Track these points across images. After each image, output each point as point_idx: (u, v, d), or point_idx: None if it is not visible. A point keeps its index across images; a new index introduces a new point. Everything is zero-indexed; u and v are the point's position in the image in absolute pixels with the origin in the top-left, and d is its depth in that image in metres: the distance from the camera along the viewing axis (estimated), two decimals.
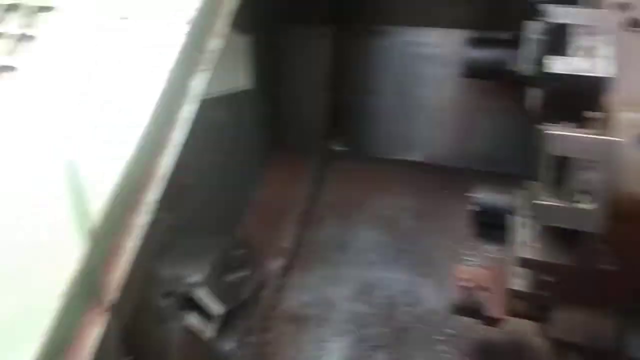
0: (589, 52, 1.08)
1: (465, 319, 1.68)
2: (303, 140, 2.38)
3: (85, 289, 0.72)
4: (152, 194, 0.81)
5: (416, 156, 2.33)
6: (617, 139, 0.94)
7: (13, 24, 0.95)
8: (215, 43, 0.95)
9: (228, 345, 1.23)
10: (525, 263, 1.18)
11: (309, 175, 2.31)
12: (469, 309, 1.45)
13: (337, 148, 2.43)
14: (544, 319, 1.32)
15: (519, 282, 1.27)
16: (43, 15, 0.97)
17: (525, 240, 1.19)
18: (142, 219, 0.79)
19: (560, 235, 1.15)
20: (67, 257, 0.72)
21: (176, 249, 1.10)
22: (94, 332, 0.71)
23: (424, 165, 2.31)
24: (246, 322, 1.31)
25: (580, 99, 1.08)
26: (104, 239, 0.75)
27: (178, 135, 0.86)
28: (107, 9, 0.95)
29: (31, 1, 0.97)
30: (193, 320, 1.00)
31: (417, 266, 1.93)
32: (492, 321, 1.42)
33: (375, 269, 1.94)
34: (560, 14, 1.13)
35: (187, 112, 0.88)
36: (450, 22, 2.20)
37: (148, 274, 0.96)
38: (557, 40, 1.15)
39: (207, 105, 1.67)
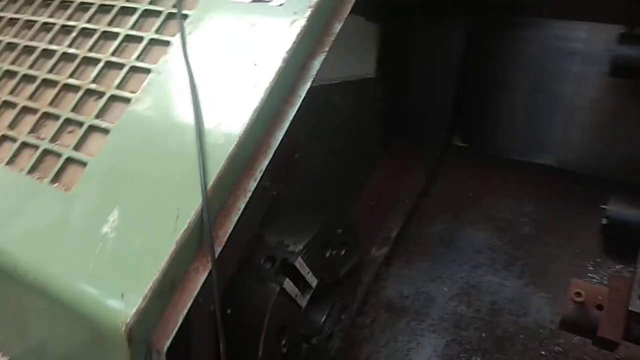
0: None
1: (576, 337, 1.57)
2: (423, 132, 2.34)
3: (197, 239, 0.81)
4: (261, 164, 0.88)
5: (545, 159, 2.17)
6: None
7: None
8: (335, 27, 0.99)
9: (320, 317, 1.29)
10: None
11: (424, 168, 2.28)
12: (579, 326, 1.33)
13: (458, 144, 2.36)
14: None
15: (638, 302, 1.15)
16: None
17: None
18: (251, 185, 0.87)
19: None
20: (187, 210, 0.82)
21: (283, 219, 1.18)
22: (199, 278, 0.81)
23: (553, 170, 2.14)
24: (342, 300, 1.35)
25: None
26: (217, 199, 0.84)
27: (291, 113, 0.92)
28: None
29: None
30: (289, 285, 1.07)
31: (529, 275, 1.81)
32: (604, 343, 1.30)
33: (482, 272, 1.86)
34: None
35: (303, 91, 0.94)
36: (600, 16, 2.00)
37: (254, 236, 1.05)
38: None
39: (329, 90, 1.75)
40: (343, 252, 1.28)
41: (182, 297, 0.80)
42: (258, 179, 0.88)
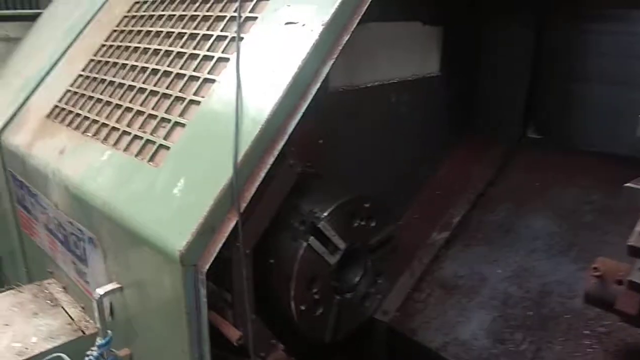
0: None
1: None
2: (497, 126, 2.44)
3: (229, 198, 1.15)
4: (279, 144, 1.19)
5: (618, 148, 2.12)
6: None
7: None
8: (344, 39, 1.26)
9: (354, 277, 1.54)
10: (632, 252, 1.14)
11: (494, 160, 2.37)
12: (600, 300, 1.40)
13: (532, 136, 2.40)
14: None
15: (637, 273, 1.22)
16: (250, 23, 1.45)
17: None
18: (270, 160, 1.18)
19: None
20: (224, 178, 1.16)
21: (319, 193, 1.46)
22: (230, 224, 1.14)
23: (626, 159, 2.09)
24: (376, 266, 1.58)
25: None
26: (245, 171, 1.17)
27: (304, 106, 1.21)
28: (283, 17, 1.36)
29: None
30: (314, 243, 1.35)
31: (583, 260, 1.83)
32: (628, 318, 1.35)
33: (537, 256, 1.93)
34: None
35: (314, 89, 1.22)
36: None
37: (290, 204, 1.36)
38: None
39: (391, 89, 1.98)
40: (373, 224, 1.52)
41: (219, 237, 1.14)
42: (275, 156, 1.18)
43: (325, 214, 1.37)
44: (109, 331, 1.41)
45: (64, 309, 1.73)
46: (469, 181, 2.33)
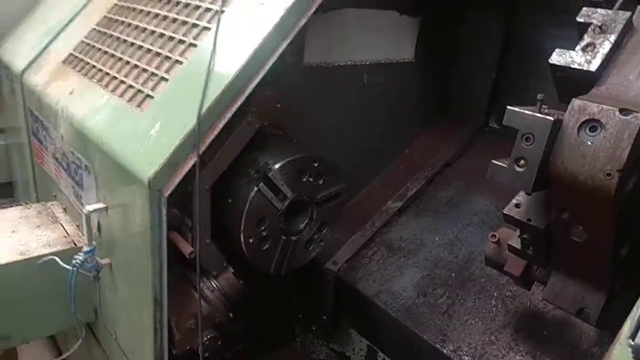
0: (591, 49, 1.22)
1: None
2: (462, 113, 2.69)
3: (192, 142, 1.44)
4: (237, 103, 1.47)
5: None
6: (550, 119, 1.13)
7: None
8: (301, 22, 1.53)
9: (300, 224, 1.83)
10: (507, 219, 1.41)
11: (457, 144, 2.63)
12: (496, 263, 1.68)
13: (492, 125, 2.64)
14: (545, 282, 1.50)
15: (515, 239, 1.49)
16: None
17: (519, 200, 1.41)
18: (229, 114, 1.47)
19: (543, 200, 1.35)
20: (190, 125, 1.45)
21: (277, 150, 1.75)
22: (190, 162, 1.44)
23: None
24: (321, 217, 1.87)
25: (570, 85, 1.25)
26: (207, 121, 1.46)
27: (260, 75, 1.49)
28: None
29: None
30: (264, 188, 1.64)
31: None
32: (511, 277, 1.63)
33: (471, 229, 2.21)
34: (583, 14, 1.28)
35: (271, 62, 1.50)
36: None
37: (250, 157, 1.65)
38: (580, 35, 1.30)
39: (367, 69, 2.24)
40: (321, 182, 1.80)
41: (180, 171, 1.44)
42: (233, 112, 1.47)
43: (277, 166, 1.66)
44: (94, 242, 1.74)
45: (62, 225, 2.07)
46: (430, 160, 2.59)
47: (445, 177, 2.51)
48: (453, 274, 2.06)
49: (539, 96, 1.20)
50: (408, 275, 2.13)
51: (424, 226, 2.31)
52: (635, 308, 0.72)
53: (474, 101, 2.64)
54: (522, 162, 1.20)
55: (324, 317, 2.35)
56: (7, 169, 3.28)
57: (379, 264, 2.22)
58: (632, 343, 0.58)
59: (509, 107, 1.25)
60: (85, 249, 1.73)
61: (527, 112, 1.20)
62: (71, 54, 2.21)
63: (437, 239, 2.23)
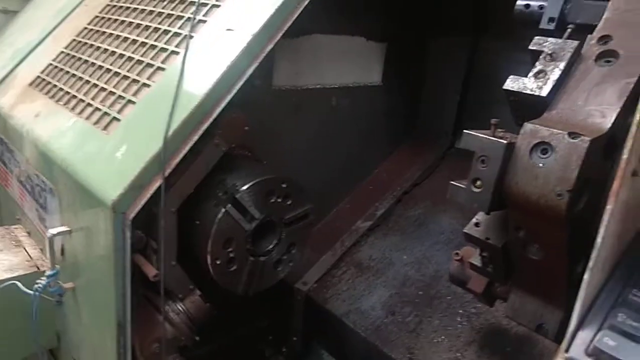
0: (542, 75, 1.29)
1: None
2: (430, 134, 2.76)
3: (158, 164, 1.45)
4: (204, 126, 1.49)
5: None
6: (503, 142, 1.19)
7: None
8: (268, 47, 1.56)
9: (268, 244, 1.84)
10: (468, 238, 1.45)
11: (424, 164, 2.69)
12: (460, 281, 1.72)
13: (458, 146, 2.72)
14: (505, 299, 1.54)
15: (476, 257, 1.53)
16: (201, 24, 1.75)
17: (479, 219, 1.46)
18: (195, 137, 1.48)
19: (500, 219, 1.39)
20: (156, 147, 1.46)
21: (245, 172, 1.76)
22: (155, 185, 1.44)
23: None
24: (290, 238, 1.88)
25: (523, 109, 1.31)
26: (173, 144, 1.47)
27: (227, 98, 1.51)
28: (225, 24, 1.66)
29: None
30: (232, 210, 1.65)
31: None
32: (474, 294, 1.66)
33: (438, 247, 2.25)
34: (535, 42, 1.35)
35: (238, 86, 1.53)
36: None
37: (218, 179, 1.66)
38: (532, 62, 1.37)
39: (335, 92, 2.29)
40: (289, 202, 1.82)
41: (145, 193, 1.44)
42: (200, 135, 1.49)
43: (245, 187, 1.67)
44: (57, 266, 1.72)
45: (25, 249, 2.03)
46: (398, 180, 2.65)
47: (413, 197, 2.56)
48: (420, 292, 2.09)
49: (493, 120, 1.26)
50: (377, 294, 2.15)
51: (392, 245, 2.35)
52: (571, 322, 0.76)
53: (440, 123, 2.72)
54: (478, 182, 1.25)
55: (294, 338, 2.35)
56: None
57: (348, 283, 2.24)
58: (567, 356, 0.61)
59: (465, 130, 1.30)
60: (48, 272, 1.70)
61: (481, 135, 1.26)
62: (38, 77, 2.20)
63: (405, 257, 2.27)
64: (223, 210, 1.65)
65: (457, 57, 2.62)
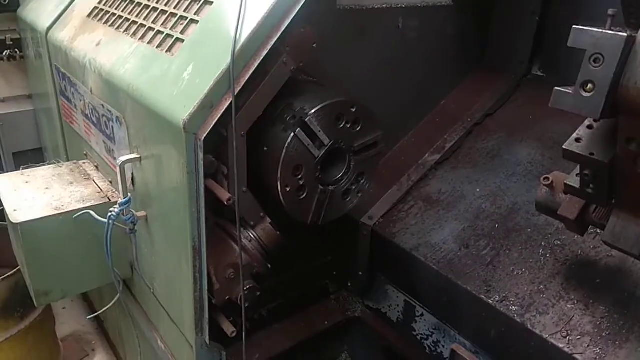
0: None
1: (577, 235, 1.76)
2: (504, 60, 2.54)
3: (227, 82, 1.37)
4: (271, 42, 1.39)
5: None
6: (622, 35, 1.02)
7: None
8: None
9: (337, 173, 1.76)
10: (567, 155, 1.31)
11: (497, 93, 2.49)
12: (548, 208, 1.59)
13: (536, 73, 2.50)
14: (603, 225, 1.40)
15: (572, 178, 1.39)
16: None
17: (580, 134, 1.31)
18: (263, 53, 1.39)
19: (607, 133, 1.24)
20: (224, 65, 1.37)
21: (313, 95, 1.66)
22: (225, 104, 1.37)
23: None
24: (359, 167, 1.79)
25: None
26: (241, 61, 1.38)
27: (294, 11, 1.40)
28: None
29: None
30: (301, 134, 1.57)
31: None
32: (565, 221, 1.53)
33: (515, 179, 2.10)
34: None
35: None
36: None
37: (286, 103, 1.57)
38: None
39: (401, 12, 2.11)
40: (358, 128, 1.72)
41: (216, 113, 1.37)
42: (268, 49, 1.39)
43: (313, 111, 1.58)
44: (129, 194, 1.71)
45: (94, 181, 2.05)
46: (469, 111, 2.48)
47: (485, 128, 2.39)
48: (497, 225, 1.97)
49: (610, 11, 1.08)
50: (448, 228, 2.05)
51: (463, 178, 2.22)
52: None
53: (515, 48, 2.49)
54: (589, 86, 1.09)
55: (360, 273, 2.30)
56: (36, 134, 3.29)
57: (416, 217, 2.15)
58: None
59: (575, 26, 1.13)
60: (121, 201, 1.69)
61: (595, 30, 1.09)
62: (96, 7, 2.15)
63: (478, 190, 2.14)
64: (292, 134, 1.57)
65: None
